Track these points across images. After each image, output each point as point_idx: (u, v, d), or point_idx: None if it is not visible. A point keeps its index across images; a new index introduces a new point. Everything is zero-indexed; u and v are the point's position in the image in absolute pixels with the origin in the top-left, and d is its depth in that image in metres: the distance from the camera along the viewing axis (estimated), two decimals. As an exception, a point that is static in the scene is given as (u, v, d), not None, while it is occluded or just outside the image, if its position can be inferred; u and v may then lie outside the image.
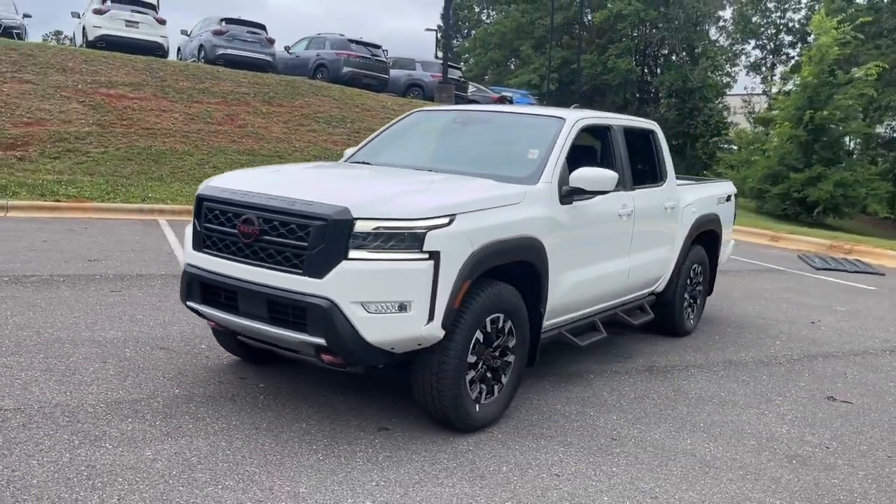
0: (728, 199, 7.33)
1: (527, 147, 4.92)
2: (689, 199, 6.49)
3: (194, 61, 21.81)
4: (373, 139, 5.70)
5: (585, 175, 4.68)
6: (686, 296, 6.66)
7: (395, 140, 5.60)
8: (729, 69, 49.63)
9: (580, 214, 4.86)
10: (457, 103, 24.96)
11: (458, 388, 3.93)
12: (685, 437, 4.36)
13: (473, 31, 59.72)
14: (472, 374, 4.04)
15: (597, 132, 5.64)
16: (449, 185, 4.34)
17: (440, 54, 63.89)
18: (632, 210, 5.46)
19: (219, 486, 3.28)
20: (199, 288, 4.13)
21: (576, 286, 4.89)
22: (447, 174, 4.63)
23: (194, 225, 4.21)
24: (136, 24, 19.52)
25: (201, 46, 21.47)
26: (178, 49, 24.07)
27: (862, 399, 5.37)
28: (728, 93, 48.20)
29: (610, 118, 5.60)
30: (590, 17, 49.30)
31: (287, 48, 24.96)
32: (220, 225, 4.01)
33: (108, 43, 19.24)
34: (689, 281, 6.68)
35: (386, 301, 3.63)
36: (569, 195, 4.71)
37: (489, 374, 4.19)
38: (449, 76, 26.22)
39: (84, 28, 19.92)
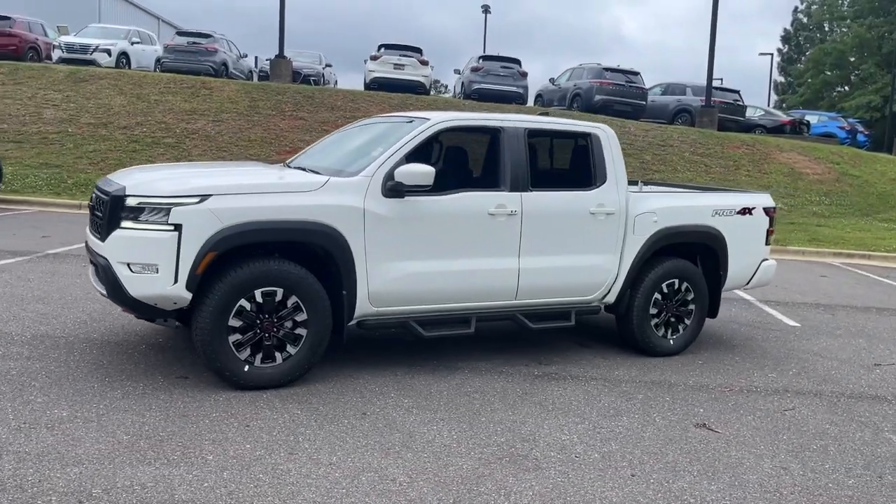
0: (744, 212, 6.54)
1: (382, 146, 5.32)
2: (648, 206, 6.07)
3: (459, 97, 24.03)
4: (319, 141, 6.50)
5: (404, 170, 4.97)
6: (655, 312, 6.18)
7: (323, 142, 6.34)
8: None
9: (416, 208, 5.12)
10: (722, 126, 23.66)
11: (214, 346, 4.58)
12: (440, 426, 4.39)
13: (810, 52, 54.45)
14: (237, 336, 4.66)
15: (477, 133, 5.71)
16: (236, 172, 5.08)
17: (779, 79, 59.31)
18: (514, 211, 5.44)
19: (-10, 390, 4.45)
20: (89, 258, 5.38)
21: (411, 278, 5.13)
22: (278, 167, 5.31)
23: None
24: (402, 67, 22.27)
25: (463, 83, 23.59)
26: (455, 88, 26.56)
27: (741, 431, 4.65)
28: None
29: (502, 120, 5.63)
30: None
31: (552, 80, 26.05)
32: (90, 206, 5.22)
33: (379, 84, 22.26)
34: (659, 296, 6.19)
35: (142, 263, 4.49)
36: (396, 189, 5.02)
37: (268, 342, 4.75)
38: (720, 100, 24.95)
39: (364, 73, 23.26)
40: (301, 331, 4.84)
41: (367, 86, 22.70)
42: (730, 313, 8.25)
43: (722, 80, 28.58)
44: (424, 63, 22.83)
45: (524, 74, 23.23)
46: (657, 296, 6.19)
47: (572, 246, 5.77)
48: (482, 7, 49.70)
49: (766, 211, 6.72)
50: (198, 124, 18.98)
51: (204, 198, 4.53)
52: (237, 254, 4.66)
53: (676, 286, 6.28)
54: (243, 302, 4.65)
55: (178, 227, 4.46)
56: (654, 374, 5.74)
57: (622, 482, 3.82)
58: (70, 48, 22.72)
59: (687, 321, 6.38)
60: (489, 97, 22.36)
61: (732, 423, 4.81)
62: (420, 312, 5.32)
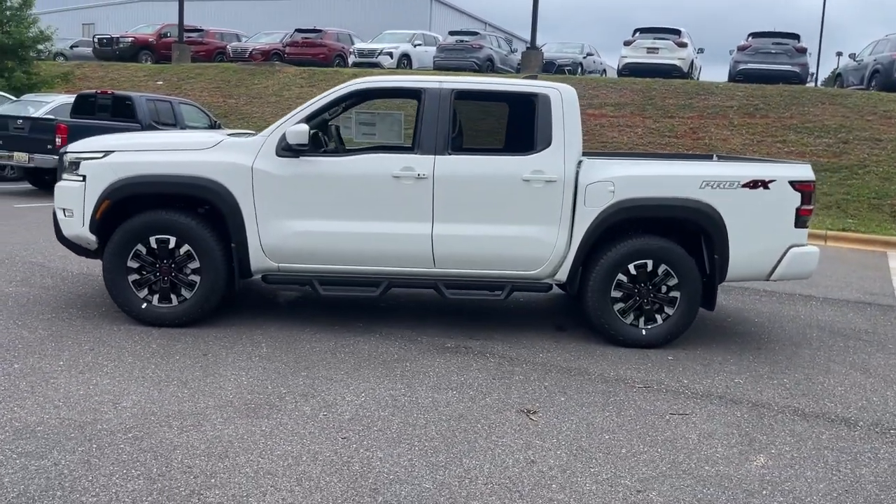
0: (755, 185, 5.33)
1: (305, 110, 5.51)
2: (603, 175, 5.31)
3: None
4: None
5: (288, 130, 5.14)
6: (619, 296, 5.41)
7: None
8: None
9: (313, 168, 5.25)
10: None
11: (115, 283, 5.26)
12: (252, 374, 4.50)
13: None
14: (136, 276, 5.27)
15: (401, 96, 5.51)
16: (163, 133, 5.58)
17: None
18: (423, 174, 5.22)
19: (-24, 303, 5.66)
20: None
21: (307, 236, 5.25)
22: (218, 132, 5.76)
23: None
24: (655, 50, 21.10)
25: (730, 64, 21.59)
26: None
27: (563, 425, 3.99)
28: None
29: (426, 82, 5.39)
30: None
31: (852, 55, 22.53)
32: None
33: (630, 70, 21.38)
34: (625, 278, 5.40)
35: (67, 208, 5.35)
36: (289, 149, 5.20)
37: (165, 284, 5.29)
38: None
39: (618, 60, 22.52)
40: (195, 277, 5.29)
41: (619, 72, 21.95)
42: (833, 315, 6.72)
43: None
44: (682, 45, 21.31)
45: (802, 51, 20.44)
46: (622, 277, 5.40)
47: (500, 214, 5.33)
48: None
49: (795, 185, 5.39)
50: (441, 115, 20.21)
51: (107, 153, 5.23)
52: (144, 203, 5.26)
53: (651, 269, 5.39)
54: (139, 246, 5.25)
55: (84, 178, 5.22)
56: (582, 363, 5.06)
57: (316, 440, 3.62)
58: (361, 53, 25.71)
59: (669, 310, 5.45)
60: (757, 78, 20.11)
61: (572, 415, 4.12)
62: (326, 272, 5.41)
